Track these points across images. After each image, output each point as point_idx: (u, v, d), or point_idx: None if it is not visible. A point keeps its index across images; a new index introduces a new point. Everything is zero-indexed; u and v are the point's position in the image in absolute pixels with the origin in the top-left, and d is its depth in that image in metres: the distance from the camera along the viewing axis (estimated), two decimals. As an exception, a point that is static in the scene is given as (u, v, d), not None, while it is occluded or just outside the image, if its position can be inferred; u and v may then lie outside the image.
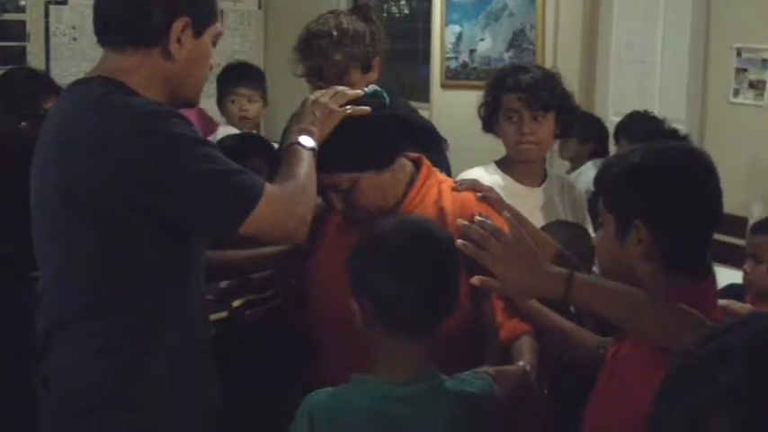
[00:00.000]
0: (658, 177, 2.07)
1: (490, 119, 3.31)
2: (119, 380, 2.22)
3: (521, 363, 2.37)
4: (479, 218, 2.14)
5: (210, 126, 4.91)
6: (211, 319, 2.53)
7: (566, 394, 2.53)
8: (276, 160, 3.21)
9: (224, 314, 2.71)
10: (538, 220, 2.80)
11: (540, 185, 3.31)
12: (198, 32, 2.27)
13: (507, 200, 2.68)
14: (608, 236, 2.11)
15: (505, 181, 3.24)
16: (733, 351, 1.23)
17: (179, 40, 2.24)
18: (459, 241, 2.08)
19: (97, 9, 2.29)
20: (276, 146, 3.05)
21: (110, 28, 2.27)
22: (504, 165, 3.32)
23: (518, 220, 2.48)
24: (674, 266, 2.07)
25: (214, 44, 2.35)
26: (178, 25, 2.23)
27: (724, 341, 1.33)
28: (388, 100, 2.55)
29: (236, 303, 2.74)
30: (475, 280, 2.10)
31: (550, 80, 3.25)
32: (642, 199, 2.05)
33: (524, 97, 3.18)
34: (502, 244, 2.07)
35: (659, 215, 2.04)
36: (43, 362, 2.29)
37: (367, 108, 2.46)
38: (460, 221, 2.13)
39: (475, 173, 3.20)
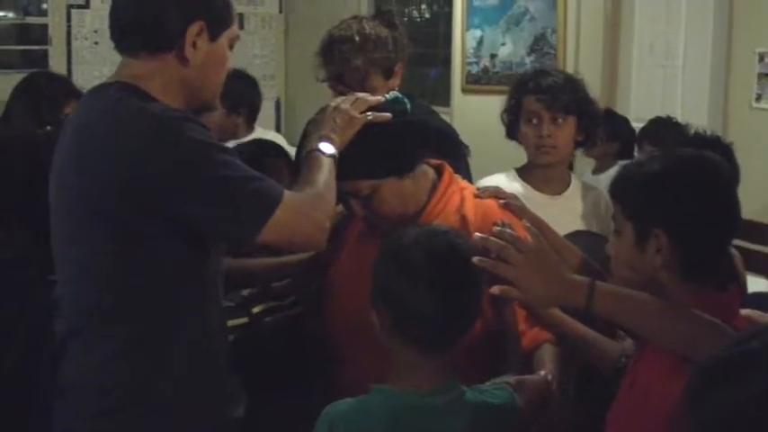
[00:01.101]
0: (678, 185, 2.05)
1: (513, 125, 3.29)
2: (134, 385, 2.21)
3: (542, 372, 2.35)
4: (498, 228, 2.12)
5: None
6: (231, 324, 2.52)
7: (592, 401, 2.51)
8: (292, 167, 3.24)
9: (244, 320, 2.71)
10: (559, 229, 2.77)
11: (561, 194, 3.28)
12: (213, 36, 2.26)
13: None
14: (626, 244, 2.09)
15: (525, 189, 3.21)
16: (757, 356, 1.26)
17: (194, 45, 2.23)
18: (476, 258, 2.06)
19: (113, 16, 2.28)
20: (294, 150, 3.05)
21: (126, 34, 2.26)
22: (524, 172, 3.30)
23: (540, 227, 2.47)
24: (694, 275, 2.05)
25: (231, 47, 2.34)
26: (193, 29, 2.22)
27: (749, 346, 1.37)
28: (409, 106, 2.53)
29: (255, 309, 2.74)
30: (495, 289, 2.08)
31: (572, 84, 3.23)
32: (662, 207, 2.03)
33: (544, 99, 3.16)
34: (522, 253, 2.06)
35: (680, 223, 2.02)
36: (59, 368, 2.29)
37: (388, 115, 2.45)
38: (477, 235, 2.12)
39: (495, 179, 3.18)
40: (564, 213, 3.17)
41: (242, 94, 4.65)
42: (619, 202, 2.12)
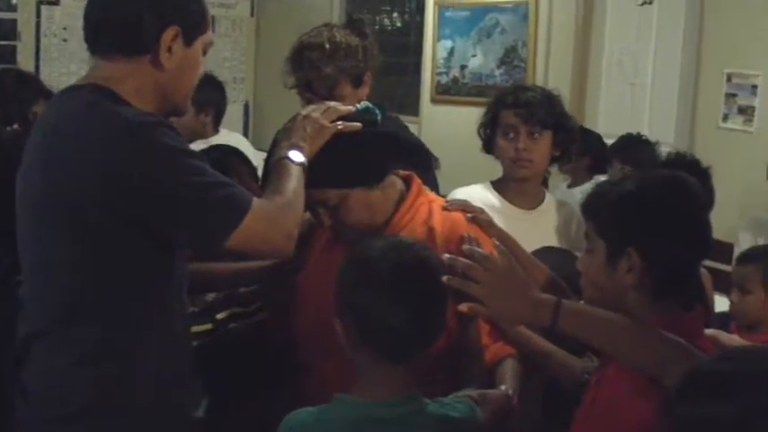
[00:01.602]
0: (653, 206, 2.06)
1: (489, 139, 3.31)
2: (97, 390, 2.19)
3: (503, 387, 2.36)
4: (467, 246, 2.14)
5: None
6: (194, 330, 2.51)
7: (558, 417, 2.52)
8: (253, 172, 3.23)
9: (208, 326, 2.70)
10: (530, 244, 2.78)
11: (535, 208, 3.30)
12: (188, 41, 2.26)
13: (500, 222, 2.68)
14: (597, 262, 2.10)
15: (500, 202, 3.24)
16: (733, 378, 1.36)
17: (169, 49, 2.23)
18: (445, 277, 2.07)
19: (87, 17, 2.27)
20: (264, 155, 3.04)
21: (100, 36, 2.25)
22: (499, 185, 3.32)
23: (508, 243, 2.48)
24: (664, 295, 2.06)
25: (204, 53, 2.33)
26: (168, 34, 2.22)
27: (724, 368, 1.48)
28: (380, 116, 2.53)
29: (220, 316, 2.73)
30: (463, 307, 2.10)
31: (550, 99, 3.25)
32: (636, 227, 2.05)
33: (521, 113, 3.18)
34: (489, 272, 2.07)
35: (653, 244, 2.04)
36: (22, 370, 2.27)
37: (358, 124, 2.44)
38: (446, 256, 2.13)
39: (470, 191, 3.21)
40: (536, 228, 3.19)
41: (210, 96, 4.70)
42: (592, 220, 2.13)
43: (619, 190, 2.10)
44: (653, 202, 2.07)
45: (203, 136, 4.70)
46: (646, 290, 2.05)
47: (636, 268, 2.03)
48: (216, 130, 4.91)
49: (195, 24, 2.28)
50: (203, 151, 3.31)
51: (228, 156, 3.31)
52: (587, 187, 5.24)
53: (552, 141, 3.24)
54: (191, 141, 4.31)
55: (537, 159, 3.23)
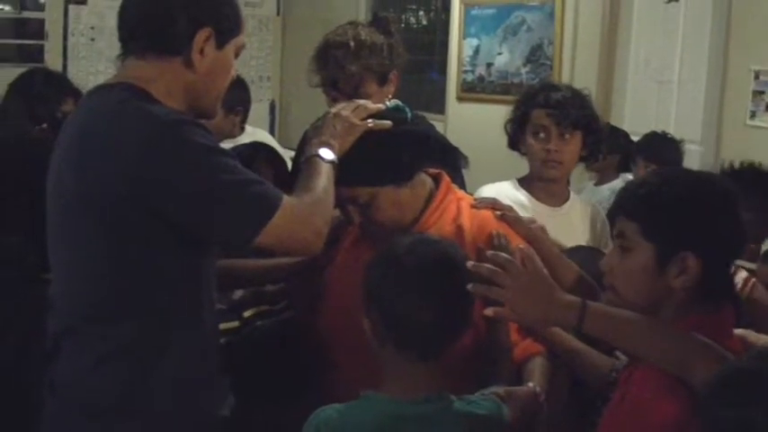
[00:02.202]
0: (706, 208, 2.06)
1: (516, 135, 3.31)
2: (125, 387, 2.21)
3: (531, 384, 2.36)
4: (491, 252, 2.16)
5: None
6: (222, 328, 2.52)
7: (584, 414, 2.52)
8: (284, 172, 3.24)
9: (235, 323, 2.71)
10: (558, 241, 2.79)
11: (560, 205, 3.31)
12: (221, 44, 2.28)
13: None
14: (638, 264, 2.08)
15: (527, 199, 3.25)
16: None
17: (201, 51, 2.24)
18: (470, 285, 2.09)
19: (122, 16, 2.28)
20: (288, 152, 3.05)
21: (134, 35, 2.26)
22: (525, 183, 3.33)
23: (536, 240, 2.48)
24: (714, 297, 2.07)
25: (237, 56, 2.35)
26: (201, 36, 2.23)
27: (758, 367, 1.50)
28: (410, 115, 2.54)
29: (247, 313, 2.74)
30: (489, 311, 2.12)
31: (581, 99, 3.26)
32: (696, 231, 2.04)
33: (553, 113, 3.19)
34: (513, 276, 2.08)
35: (712, 248, 2.04)
36: (51, 366, 2.28)
37: (388, 122, 2.45)
38: (470, 264, 2.14)
39: (497, 188, 3.21)
40: (563, 225, 3.18)
41: (238, 97, 4.74)
42: (636, 222, 2.09)
43: (671, 192, 2.07)
44: (704, 204, 2.06)
45: (232, 136, 4.78)
46: (687, 291, 2.05)
47: (690, 271, 2.03)
48: (242, 129, 4.99)
49: (228, 27, 2.29)
50: (234, 148, 3.34)
51: (257, 153, 3.34)
52: (616, 185, 5.26)
53: (582, 142, 3.24)
54: (220, 141, 4.36)
55: (567, 160, 3.24)
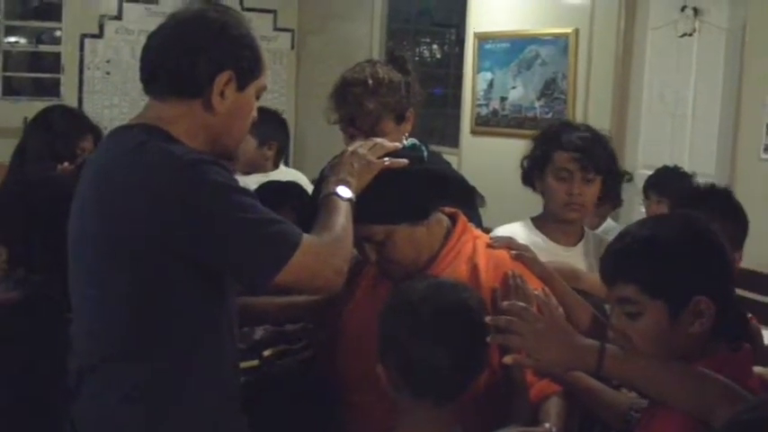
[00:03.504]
0: (704, 248, 2.06)
1: (532, 172, 3.30)
2: (148, 425, 2.21)
3: (546, 425, 2.35)
4: (507, 303, 2.18)
5: None
6: (242, 366, 2.53)
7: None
8: (307, 210, 3.24)
9: (255, 362, 2.71)
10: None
11: (575, 245, 3.30)
12: (242, 86, 2.28)
13: (544, 260, 2.66)
14: (652, 323, 2.05)
15: (543, 241, 3.23)
16: None
17: (222, 93, 2.25)
18: (489, 338, 2.11)
19: (144, 58, 2.30)
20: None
21: (155, 77, 2.28)
22: (540, 222, 3.31)
23: (552, 282, 2.49)
24: (727, 334, 2.07)
25: (258, 97, 2.35)
26: (222, 79, 2.24)
27: None
28: (426, 153, 2.55)
29: (267, 353, 2.74)
30: (508, 359, 2.14)
31: (602, 142, 3.26)
32: (701, 274, 2.03)
33: (579, 158, 3.17)
34: (530, 324, 2.09)
35: (720, 286, 2.05)
36: (73, 404, 2.29)
37: (405, 161, 2.46)
38: (488, 318, 2.14)
39: (511, 229, 3.20)
40: (579, 264, 3.16)
41: (273, 131, 4.71)
42: (637, 284, 2.05)
43: (663, 242, 2.05)
44: (696, 246, 2.06)
45: (264, 169, 4.68)
46: (704, 333, 2.04)
47: (706, 314, 2.02)
48: (275, 166, 4.88)
49: (249, 70, 2.30)
50: (260, 187, 3.35)
51: (280, 192, 3.34)
52: (608, 225, 5.15)
53: (602, 184, 3.24)
54: (249, 173, 4.36)
55: (588, 203, 3.23)
